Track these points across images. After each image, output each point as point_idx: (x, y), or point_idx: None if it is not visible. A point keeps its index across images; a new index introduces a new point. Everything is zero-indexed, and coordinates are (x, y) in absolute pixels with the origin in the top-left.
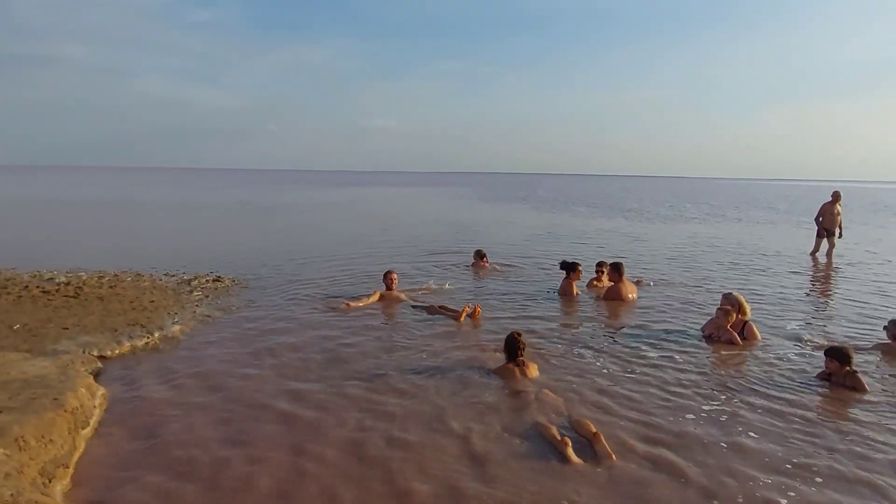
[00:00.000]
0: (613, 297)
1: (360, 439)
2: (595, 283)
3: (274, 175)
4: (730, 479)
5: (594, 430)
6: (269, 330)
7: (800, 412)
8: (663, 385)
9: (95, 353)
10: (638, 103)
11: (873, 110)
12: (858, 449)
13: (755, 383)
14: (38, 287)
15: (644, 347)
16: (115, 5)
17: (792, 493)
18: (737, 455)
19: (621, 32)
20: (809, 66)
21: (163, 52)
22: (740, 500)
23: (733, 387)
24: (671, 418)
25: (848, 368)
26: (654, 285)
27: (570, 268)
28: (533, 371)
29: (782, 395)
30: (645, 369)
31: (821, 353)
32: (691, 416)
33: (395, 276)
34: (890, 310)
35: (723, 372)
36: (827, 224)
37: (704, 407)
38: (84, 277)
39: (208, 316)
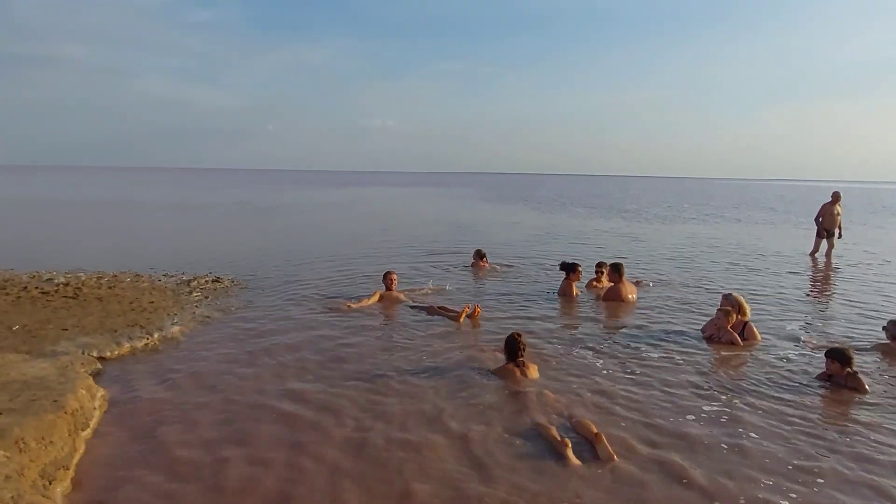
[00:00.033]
0: (613, 297)
1: (360, 439)
2: (594, 283)
3: (274, 175)
4: (731, 480)
5: (596, 430)
6: (268, 330)
7: (801, 413)
8: (664, 386)
9: (95, 355)
10: (638, 103)
11: (873, 110)
12: (860, 450)
13: (756, 384)
14: (37, 288)
15: (644, 348)
16: (115, 5)
17: (793, 495)
18: (738, 456)
19: (621, 32)
20: (809, 66)
21: (163, 52)
22: (741, 502)
23: (734, 388)
24: (672, 419)
25: (848, 370)
26: (653, 286)
27: (569, 269)
28: (533, 372)
29: (783, 395)
30: (645, 370)
31: (821, 354)
32: (692, 417)
33: (394, 276)
34: (889, 310)
35: (723, 373)
36: (827, 224)
37: (705, 408)
38: (83, 278)
39: (208, 317)
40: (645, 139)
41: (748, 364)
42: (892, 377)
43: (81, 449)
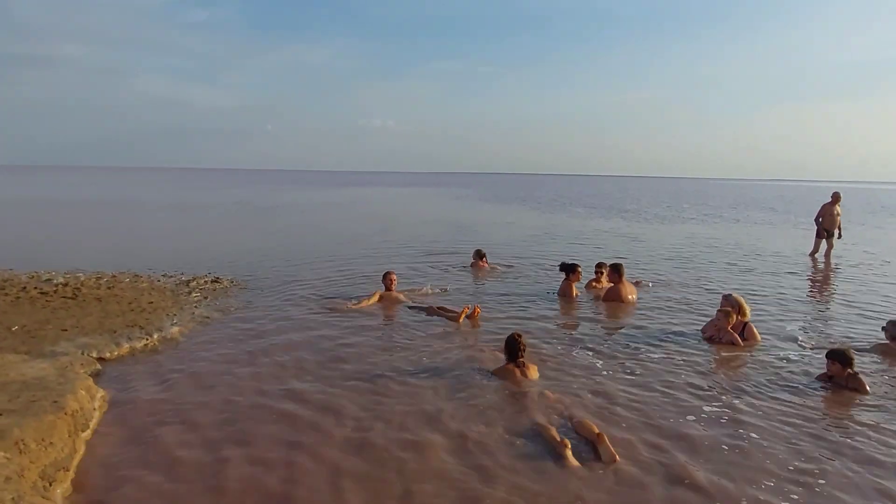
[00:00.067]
0: (613, 298)
1: (360, 439)
2: (594, 284)
3: (274, 175)
4: (731, 481)
5: (597, 430)
6: (268, 331)
7: (802, 414)
8: (664, 386)
9: (94, 355)
10: (638, 103)
11: (873, 110)
12: (861, 451)
13: (756, 385)
14: (36, 288)
15: (644, 349)
16: (115, 5)
17: (795, 497)
18: (738, 457)
19: (621, 32)
20: (809, 66)
21: (162, 52)
22: (743, 503)
23: (734, 388)
24: (672, 420)
25: (850, 371)
26: (652, 286)
27: (569, 269)
28: (533, 372)
29: (784, 396)
30: (645, 371)
31: (821, 354)
32: (692, 418)
33: (394, 276)
34: (889, 311)
35: (723, 373)
36: (827, 225)
37: (706, 408)
38: (82, 278)
39: (207, 317)
40: (645, 139)
41: (748, 365)
42: (892, 377)
43: (81, 450)
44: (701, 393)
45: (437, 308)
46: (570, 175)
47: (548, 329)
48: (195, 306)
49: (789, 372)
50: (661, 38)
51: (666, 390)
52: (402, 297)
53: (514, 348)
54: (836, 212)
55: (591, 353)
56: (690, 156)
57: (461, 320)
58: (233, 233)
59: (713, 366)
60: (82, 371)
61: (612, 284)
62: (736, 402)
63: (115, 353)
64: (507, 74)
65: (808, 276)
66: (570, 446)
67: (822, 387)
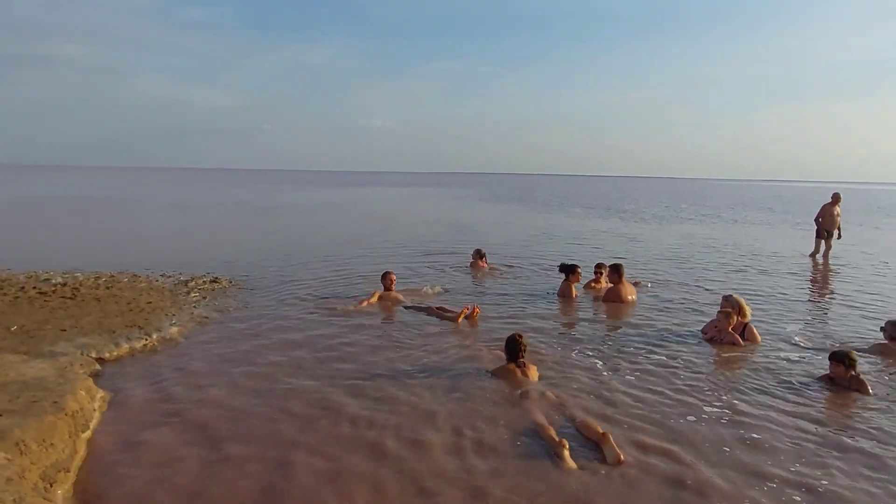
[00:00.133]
0: (613, 298)
1: (359, 439)
2: (593, 284)
3: (274, 175)
4: (732, 482)
5: (602, 430)
6: (266, 330)
7: (804, 414)
8: (664, 387)
9: (93, 355)
10: (638, 103)
11: (873, 110)
12: (864, 451)
13: (757, 385)
14: (34, 288)
15: (644, 349)
16: (114, 5)
17: (797, 498)
18: (739, 458)
19: (621, 32)
20: (809, 66)
21: (162, 52)
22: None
23: (735, 389)
24: (672, 420)
25: (852, 372)
26: (651, 286)
27: (569, 270)
28: (533, 373)
29: (785, 397)
30: (645, 371)
31: (821, 355)
32: (693, 419)
33: (393, 276)
34: (887, 311)
35: (724, 374)
36: (826, 225)
37: (706, 409)
38: (81, 278)
39: (206, 317)
40: (644, 139)
41: (749, 365)
42: (892, 377)
43: (82, 450)
44: (701, 393)
45: (437, 308)
46: (569, 175)
47: (547, 329)
48: (194, 306)
49: (790, 373)
50: (661, 38)
51: (666, 391)
52: (401, 297)
53: (514, 348)
54: (836, 212)
55: (591, 354)
56: (690, 156)
57: (460, 320)
58: (232, 233)
59: (714, 366)
60: (82, 371)
61: (612, 285)
62: (736, 402)
63: (115, 354)
64: (507, 74)
65: (808, 276)
66: (567, 446)
67: (823, 387)
